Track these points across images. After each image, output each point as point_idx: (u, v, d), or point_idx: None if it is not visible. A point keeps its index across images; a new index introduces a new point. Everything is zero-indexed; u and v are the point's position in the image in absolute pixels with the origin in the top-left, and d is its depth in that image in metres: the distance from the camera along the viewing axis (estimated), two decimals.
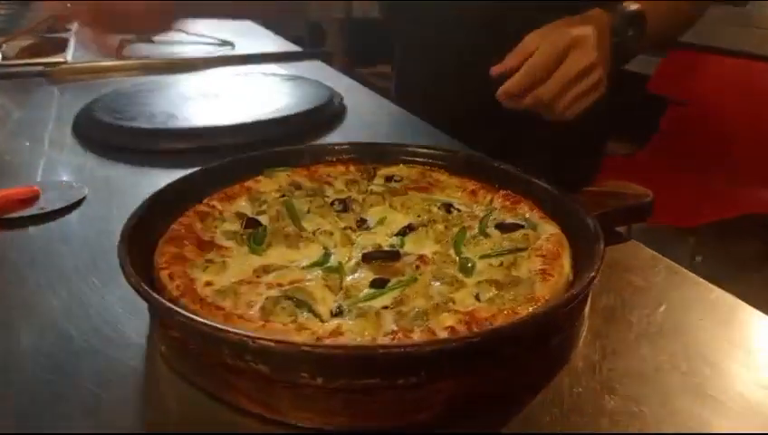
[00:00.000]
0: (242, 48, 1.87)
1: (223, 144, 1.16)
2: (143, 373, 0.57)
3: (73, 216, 0.93)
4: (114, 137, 1.21)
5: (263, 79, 1.54)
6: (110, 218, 0.87)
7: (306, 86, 1.47)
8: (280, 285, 0.64)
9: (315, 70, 1.71)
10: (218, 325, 0.52)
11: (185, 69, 1.67)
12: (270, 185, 0.88)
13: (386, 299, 0.62)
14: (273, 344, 0.49)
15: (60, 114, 1.39)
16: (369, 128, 1.36)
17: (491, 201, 0.85)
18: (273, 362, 0.51)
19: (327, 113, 1.35)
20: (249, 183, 0.87)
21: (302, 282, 0.64)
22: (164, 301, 0.55)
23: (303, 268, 0.68)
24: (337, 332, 0.56)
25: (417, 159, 0.95)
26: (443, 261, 0.69)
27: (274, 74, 1.57)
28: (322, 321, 0.59)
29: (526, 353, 0.57)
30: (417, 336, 0.54)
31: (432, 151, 0.95)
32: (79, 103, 1.37)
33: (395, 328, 0.56)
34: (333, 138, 1.27)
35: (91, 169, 1.11)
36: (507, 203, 0.83)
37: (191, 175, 0.85)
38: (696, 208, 2.14)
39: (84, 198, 0.97)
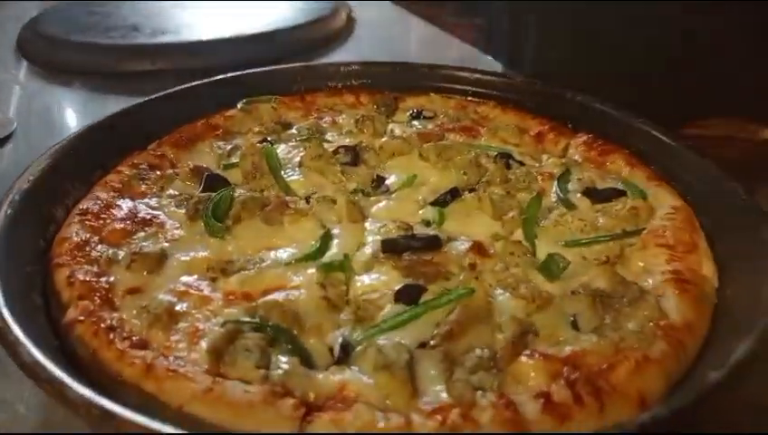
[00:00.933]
0: None
1: (196, 66, 0.91)
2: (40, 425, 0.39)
3: None
4: (61, 54, 0.98)
5: None
6: None
7: None
8: (247, 296, 0.39)
9: None
10: (113, 410, 0.27)
11: None
12: (246, 122, 0.62)
13: (424, 327, 0.37)
14: None
15: (6, 27, 1.16)
16: (388, 46, 1.09)
17: (565, 149, 0.59)
18: None
19: (331, 27, 1.11)
20: (217, 119, 0.62)
21: (285, 290, 0.39)
22: (31, 351, 0.31)
23: (287, 265, 0.42)
24: (340, 397, 0.32)
25: (457, 85, 0.69)
26: (509, 253, 0.43)
27: None
28: (313, 367, 0.35)
29: None
30: (485, 417, 0.30)
31: (477, 76, 0.68)
32: (33, 13, 1.14)
33: (444, 397, 0.32)
34: (339, 57, 1.01)
35: (30, 95, 0.90)
36: (592, 153, 0.57)
37: (135, 106, 0.60)
38: None
39: (11, 134, 0.77)
